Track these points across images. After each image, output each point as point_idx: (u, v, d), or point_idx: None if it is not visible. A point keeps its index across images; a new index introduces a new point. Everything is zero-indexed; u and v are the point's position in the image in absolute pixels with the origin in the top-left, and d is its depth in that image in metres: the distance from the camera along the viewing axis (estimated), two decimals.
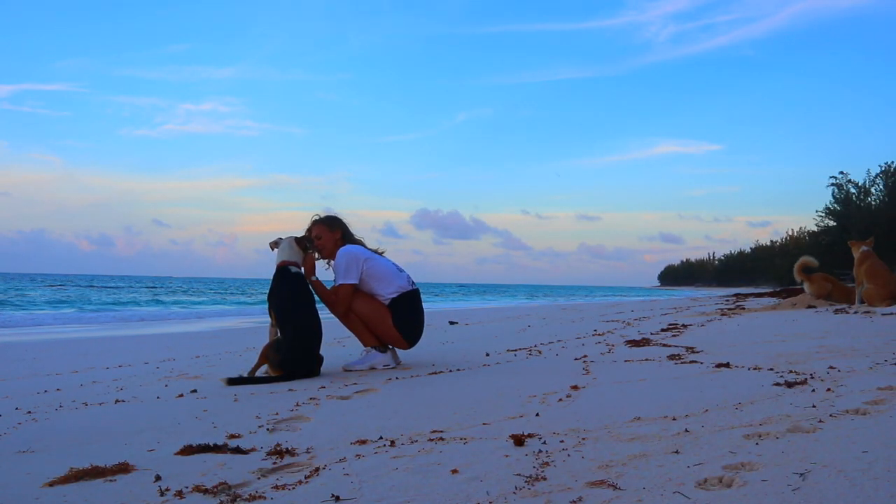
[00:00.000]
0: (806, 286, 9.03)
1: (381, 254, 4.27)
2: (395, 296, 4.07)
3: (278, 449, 2.05)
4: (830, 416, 2.08)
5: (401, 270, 4.22)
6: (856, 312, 6.78)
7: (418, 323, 4.17)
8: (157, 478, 1.79)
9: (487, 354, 4.57)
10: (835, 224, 30.52)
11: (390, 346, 4.11)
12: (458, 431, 2.21)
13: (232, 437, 2.27)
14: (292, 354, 3.62)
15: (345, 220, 4.28)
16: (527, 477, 1.65)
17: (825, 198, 54.41)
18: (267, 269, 3.97)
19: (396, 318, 4.05)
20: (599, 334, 6.03)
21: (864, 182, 30.68)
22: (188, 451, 2.06)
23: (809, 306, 8.41)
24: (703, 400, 2.51)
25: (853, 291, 8.41)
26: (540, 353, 4.59)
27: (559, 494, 1.51)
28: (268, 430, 2.39)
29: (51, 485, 1.79)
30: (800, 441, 1.81)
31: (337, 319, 4.12)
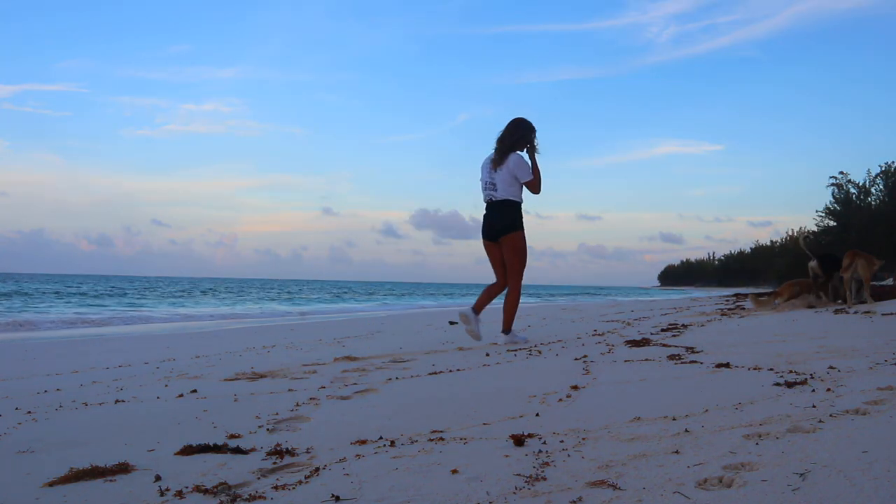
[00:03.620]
0: (779, 301, 9.22)
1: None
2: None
3: (278, 449, 2.05)
4: (830, 416, 2.08)
5: (486, 186, 5.18)
6: (855, 312, 6.78)
7: (484, 227, 5.28)
8: (157, 478, 1.80)
9: (487, 354, 4.57)
10: (835, 224, 30.51)
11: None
12: (458, 431, 2.22)
13: (232, 437, 2.27)
14: None
15: (521, 128, 5.17)
16: (527, 477, 1.65)
17: (825, 198, 54.42)
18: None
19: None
20: (599, 334, 6.03)
21: (864, 182, 30.69)
22: (188, 451, 2.07)
23: (809, 306, 8.42)
24: (703, 400, 2.51)
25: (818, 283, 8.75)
26: (540, 353, 4.58)
27: (559, 494, 1.52)
28: (268, 430, 2.39)
29: (51, 485, 1.79)
30: (800, 441, 1.81)
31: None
